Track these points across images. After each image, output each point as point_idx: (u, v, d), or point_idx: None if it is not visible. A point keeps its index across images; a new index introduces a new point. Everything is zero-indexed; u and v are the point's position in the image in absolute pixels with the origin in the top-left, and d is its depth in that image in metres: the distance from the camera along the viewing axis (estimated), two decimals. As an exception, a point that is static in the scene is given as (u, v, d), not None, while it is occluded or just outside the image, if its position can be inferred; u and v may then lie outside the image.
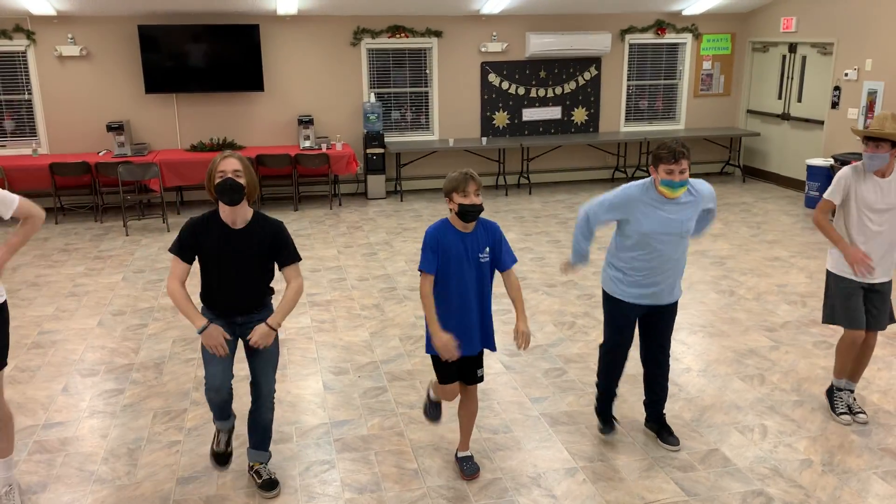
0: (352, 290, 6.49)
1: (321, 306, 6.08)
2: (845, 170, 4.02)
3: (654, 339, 3.91)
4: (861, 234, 3.99)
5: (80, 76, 9.21)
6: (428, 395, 3.91)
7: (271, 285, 3.54)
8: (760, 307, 5.97)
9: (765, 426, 4.16)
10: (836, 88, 9.27)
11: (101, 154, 9.15)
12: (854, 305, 4.05)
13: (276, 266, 3.47)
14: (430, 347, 3.51)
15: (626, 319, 3.83)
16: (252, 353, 3.48)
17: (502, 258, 3.52)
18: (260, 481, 3.62)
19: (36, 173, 8.61)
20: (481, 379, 3.66)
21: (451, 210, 3.41)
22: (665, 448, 3.94)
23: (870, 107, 8.70)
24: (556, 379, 4.76)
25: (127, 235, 8.30)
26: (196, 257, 3.37)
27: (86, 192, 9.14)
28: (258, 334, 3.35)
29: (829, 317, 4.17)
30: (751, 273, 6.81)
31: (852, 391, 4.30)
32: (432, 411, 3.92)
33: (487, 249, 3.46)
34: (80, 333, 5.58)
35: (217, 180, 3.25)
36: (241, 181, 3.26)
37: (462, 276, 3.42)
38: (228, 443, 3.70)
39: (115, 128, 8.96)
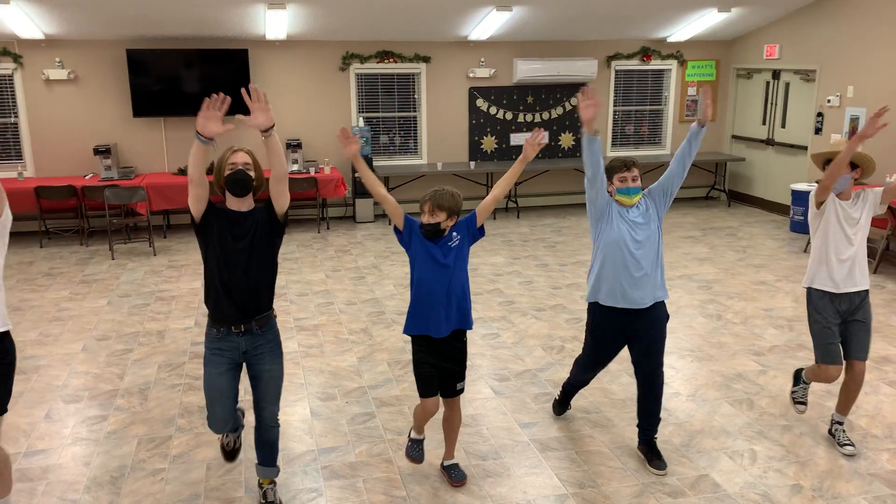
0: (340, 314, 6.46)
1: (308, 331, 6.04)
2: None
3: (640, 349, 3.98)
4: (844, 245, 4.02)
5: (67, 99, 9.19)
6: (409, 436, 3.94)
7: (273, 301, 3.50)
8: (748, 331, 5.99)
9: (754, 451, 4.16)
10: (819, 115, 9.40)
11: (87, 177, 9.11)
12: (830, 339, 4.05)
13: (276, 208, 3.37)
14: (408, 327, 3.62)
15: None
16: (256, 382, 3.46)
17: (475, 233, 3.64)
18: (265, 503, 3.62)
19: (21, 196, 8.55)
20: (461, 391, 3.77)
21: None
22: (652, 472, 3.93)
23: (852, 132, 8.81)
24: (545, 404, 4.73)
25: (113, 259, 8.23)
26: (204, 242, 3.33)
27: (71, 216, 9.08)
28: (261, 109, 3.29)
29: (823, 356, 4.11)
30: (737, 297, 6.84)
31: (842, 423, 4.26)
32: (413, 450, 3.89)
33: (455, 235, 3.57)
34: (64, 359, 5.51)
35: (227, 172, 3.29)
36: (252, 174, 3.32)
37: (435, 264, 3.54)
38: (237, 440, 3.87)
39: (102, 151, 8.93)
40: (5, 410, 3.24)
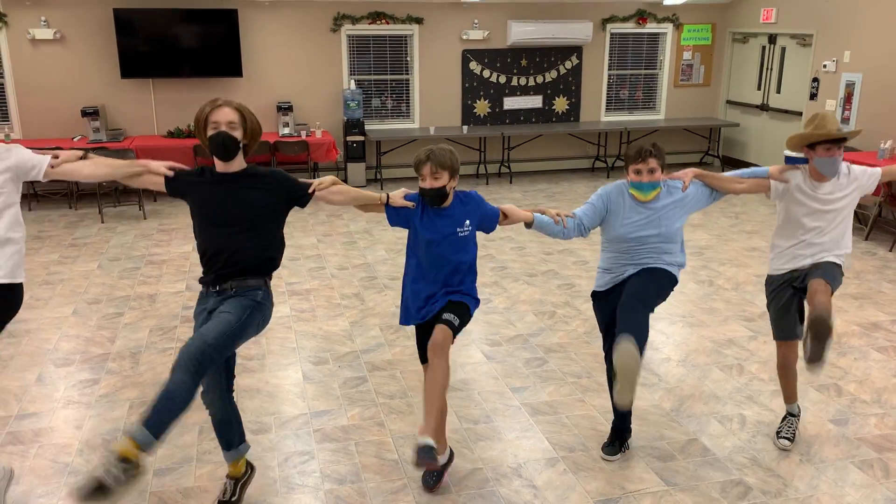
0: (331, 278, 6.44)
1: (300, 295, 6.03)
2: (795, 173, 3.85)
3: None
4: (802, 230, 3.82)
5: (53, 60, 9.03)
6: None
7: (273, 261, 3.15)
8: (739, 297, 6.01)
9: (743, 416, 4.19)
10: (815, 80, 9.33)
11: (75, 140, 8.99)
12: (784, 315, 3.75)
13: (300, 204, 3.14)
14: (404, 318, 3.34)
15: None
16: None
17: (488, 226, 3.34)
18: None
19: (8, 159, 8.44)
20: (448, 322, 3.15)
21: None
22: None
23: (847, 98, 8.76)
24: (536, 369, 4.76)
25: (102, 223, 8.17)
26: (189, 211, 3.10)
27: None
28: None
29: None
30: (729, 263, 6.85)
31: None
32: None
33: (467, 223, 3.22)
34: (55, 322, 5.48)
35: (210, 132, 2.96)
36: (236, 134, 2.96)
37: (433, 254, 3.20)
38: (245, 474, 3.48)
39: (90, 113, 8.81)
40: None
